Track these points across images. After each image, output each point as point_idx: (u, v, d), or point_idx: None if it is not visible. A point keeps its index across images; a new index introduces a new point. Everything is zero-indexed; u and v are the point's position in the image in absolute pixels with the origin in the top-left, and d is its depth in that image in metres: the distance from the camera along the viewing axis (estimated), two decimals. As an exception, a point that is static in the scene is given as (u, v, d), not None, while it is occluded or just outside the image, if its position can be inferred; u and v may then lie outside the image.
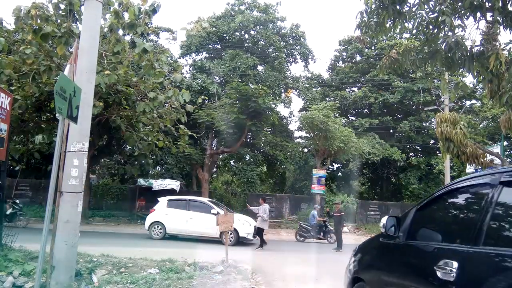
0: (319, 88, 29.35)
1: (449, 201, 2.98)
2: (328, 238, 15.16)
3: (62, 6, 9.23)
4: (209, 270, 7.19)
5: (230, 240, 11.92)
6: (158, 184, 19.40)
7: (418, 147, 26.93)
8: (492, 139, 22.81)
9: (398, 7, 6.26)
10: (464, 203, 2.83)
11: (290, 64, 27.86)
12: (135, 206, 21.18)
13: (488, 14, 6.06)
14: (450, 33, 6.00)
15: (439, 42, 6.33)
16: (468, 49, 6.11)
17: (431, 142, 25.20)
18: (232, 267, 7.72)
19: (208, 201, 14.25)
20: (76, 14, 9.38)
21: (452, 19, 5.78)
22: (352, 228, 20.78)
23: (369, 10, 6.52)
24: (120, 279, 5.84)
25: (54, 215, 4.70)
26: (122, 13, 9.20)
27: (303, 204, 22.79)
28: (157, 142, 14.04)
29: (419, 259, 2.85)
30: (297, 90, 27.48)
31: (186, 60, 25.72)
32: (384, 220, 3.33)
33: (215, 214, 11.80)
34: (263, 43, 25.48)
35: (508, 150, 23.68)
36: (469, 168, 16.29)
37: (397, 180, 26.28)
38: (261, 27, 25.14)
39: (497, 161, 10.98)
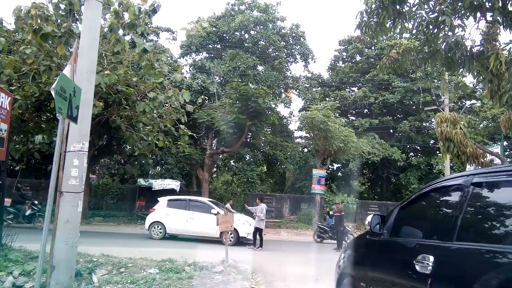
0: (319, 88, 29.38)
1: (428, 200, 3.18)
2: (346, 239, 14.14)
3: (62, 6, 9.21)
4: (209, 270, 7.20)
5: (230, 240, 11.93)
6: (158, 184, 19.43)
7: (418, 147, 26.94)
8: (492, 139, 22.82)
9: (398, 7, 6.27)
10: (441, 202, 3.03)
11: (290, 64, 27.88)
12: (135, 206, 21.21)
13: (488, 14, 6.06)
14: (450, 33, 6.00)
15: (439, 42, 6.33)
16: (468, 49, 6.11)
17: (431, 142, 25.21)
18: (232, 267, 7.73)
19: (208, 201, 14.26)
20: (76, 14, 9.37)
21: (452, 19, 5.78)
22: (352, 228, 20.75)
23: (369, 10, 6.53)
24: (120, 279, 5.85)
25: (54, 215, 4.71)
26: (122, 13, 9.17)
27: (303, 204, 22.78)
28: (157, 142, 14.02)
29: (401, 254, 3.04)
30: (297, 90, 27.47)
31: (186, 60, 25.75)
32: (369, 218, 3.45)
33: (215, 214, 11.81)
34: (263, 43, 25.46)
35: (508, 150, 23.72)
36: (469, 168, 16.28)
37: (397, 180, 26.28)
38: (261, 27, 25.11)
39: (497, 161, 10.96)
